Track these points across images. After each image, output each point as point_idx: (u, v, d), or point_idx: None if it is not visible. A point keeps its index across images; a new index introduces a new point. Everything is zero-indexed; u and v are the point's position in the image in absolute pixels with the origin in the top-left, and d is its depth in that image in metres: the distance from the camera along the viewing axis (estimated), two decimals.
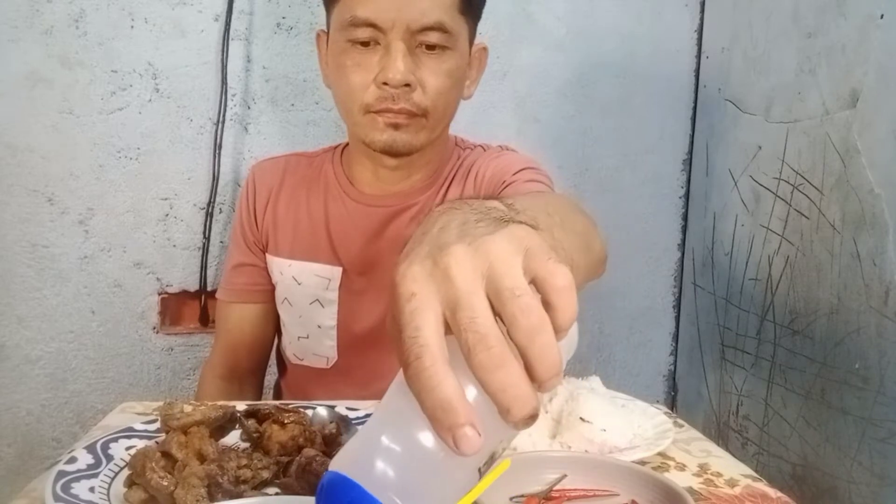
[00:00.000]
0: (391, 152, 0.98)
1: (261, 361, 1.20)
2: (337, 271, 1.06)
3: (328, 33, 1.02)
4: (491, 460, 0.39)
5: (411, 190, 1.06)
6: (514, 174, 1.00)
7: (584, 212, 0.73)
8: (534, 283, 0.38)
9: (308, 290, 1.07)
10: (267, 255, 1.12)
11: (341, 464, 0.37)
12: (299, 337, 1.11)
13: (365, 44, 0.93)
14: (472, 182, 1.05)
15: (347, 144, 1.13)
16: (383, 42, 0.93)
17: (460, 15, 0.96)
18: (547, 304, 0.37)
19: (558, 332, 0.37)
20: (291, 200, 1.10)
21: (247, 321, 1.15)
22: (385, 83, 0.92)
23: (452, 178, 1.07)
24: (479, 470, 0.39)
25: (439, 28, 0.93)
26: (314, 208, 1.09)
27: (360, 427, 0.78)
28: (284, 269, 1.09)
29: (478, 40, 1.05)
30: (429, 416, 0.35)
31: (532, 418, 0.35)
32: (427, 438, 0.36)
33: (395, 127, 0.95)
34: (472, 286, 0.37)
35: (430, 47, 0.94)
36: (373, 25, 0.92)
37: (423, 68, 0.94)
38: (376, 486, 0.36)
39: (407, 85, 0.93)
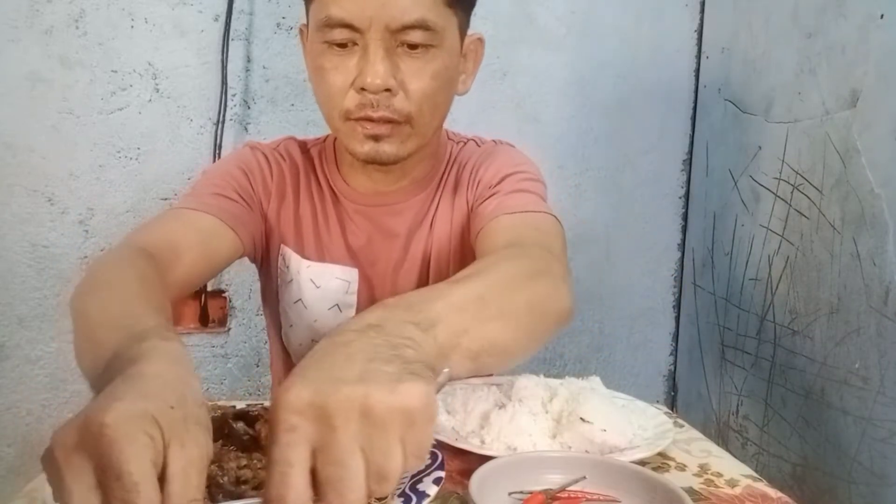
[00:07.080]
0: (376, 163, 0.92)
1: (183, 285, 0.89)
2: (354, 273, 1.00)
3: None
4: None
5: (406, 190, 1.01)
6: (497, 184, 0.95)
7: (540, 268, 0.71)
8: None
9: (328, 295, 1.01)
10: (284, 246, 1.03)
11: None
12: (312, 339, 1.04)
13: (342, 45, 0.86)
14: (473, 185, 0.99)
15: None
16: (361, 43, 0.85)
17: (447, 8, 0.87)
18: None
19: None
20: (307, 197, 1.03)
21: (207, 232, 0.90)
22: (364, 88, 0.85)
23: (448, 176, 1.02)
24: None
25: (422, 26, 0.85)
26: (326, 207, 1.03)
27: None
28: (302, 270, 1.02)
29: (474, 32, 0.96)
30: None
31: None
32: None
33: (376, 139, 0.88)
34: (351, 448, 0.42)
35: (413, 47, 0.86)
36: (349, 26, 0.84)
37: (405, 70, 0.86)
38: None
39: (387, 90, 0.85)
